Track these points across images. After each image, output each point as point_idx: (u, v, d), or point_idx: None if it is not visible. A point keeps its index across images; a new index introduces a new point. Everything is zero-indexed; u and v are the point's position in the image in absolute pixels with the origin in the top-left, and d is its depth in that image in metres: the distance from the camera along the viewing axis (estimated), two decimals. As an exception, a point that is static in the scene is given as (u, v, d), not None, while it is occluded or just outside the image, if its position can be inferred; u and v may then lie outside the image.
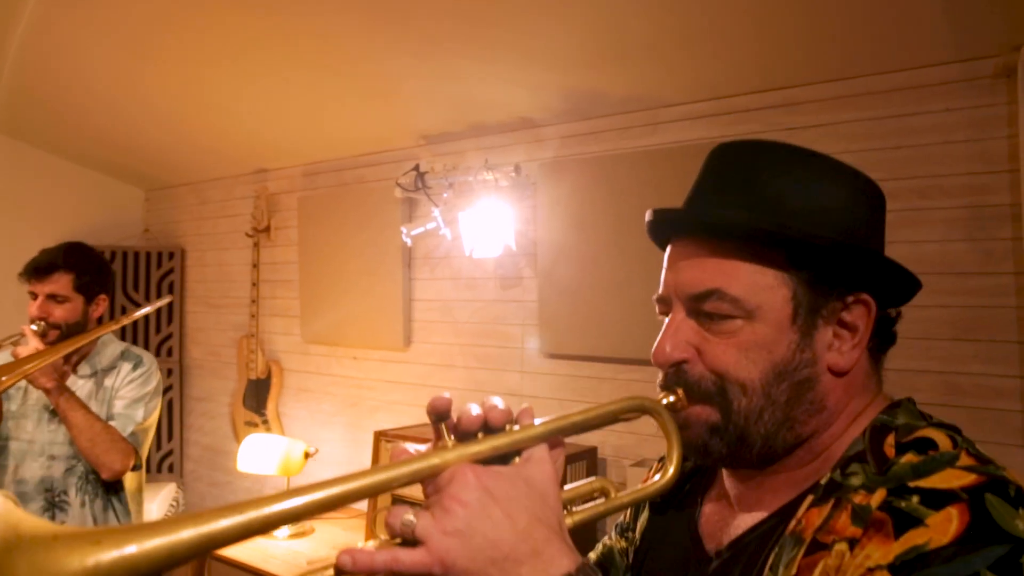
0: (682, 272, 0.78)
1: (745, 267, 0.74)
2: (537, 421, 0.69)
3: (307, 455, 2.84)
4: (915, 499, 0.62)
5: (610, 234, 2.55)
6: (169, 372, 4.11)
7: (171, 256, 4.19)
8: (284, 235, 3.67)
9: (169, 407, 4.10)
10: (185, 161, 3.94)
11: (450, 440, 0.67)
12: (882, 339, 0.78)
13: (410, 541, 0.60)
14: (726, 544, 0.78)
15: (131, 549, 0.50)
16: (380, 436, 2.73)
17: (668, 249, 0.82)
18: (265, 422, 3.62)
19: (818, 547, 0.66)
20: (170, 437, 4.10)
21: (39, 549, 0.49)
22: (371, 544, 0.64)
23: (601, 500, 0.76)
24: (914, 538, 0.59)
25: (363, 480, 0.61)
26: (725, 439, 0.75)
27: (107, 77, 2.96)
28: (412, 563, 0.59)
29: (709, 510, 0.85)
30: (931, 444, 0.67)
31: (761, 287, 0.74)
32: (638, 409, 0.75)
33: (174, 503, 3.63)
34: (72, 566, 0.48)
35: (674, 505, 0.90)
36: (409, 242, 2.99)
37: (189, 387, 4.19)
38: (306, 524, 2.88)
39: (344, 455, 3.24)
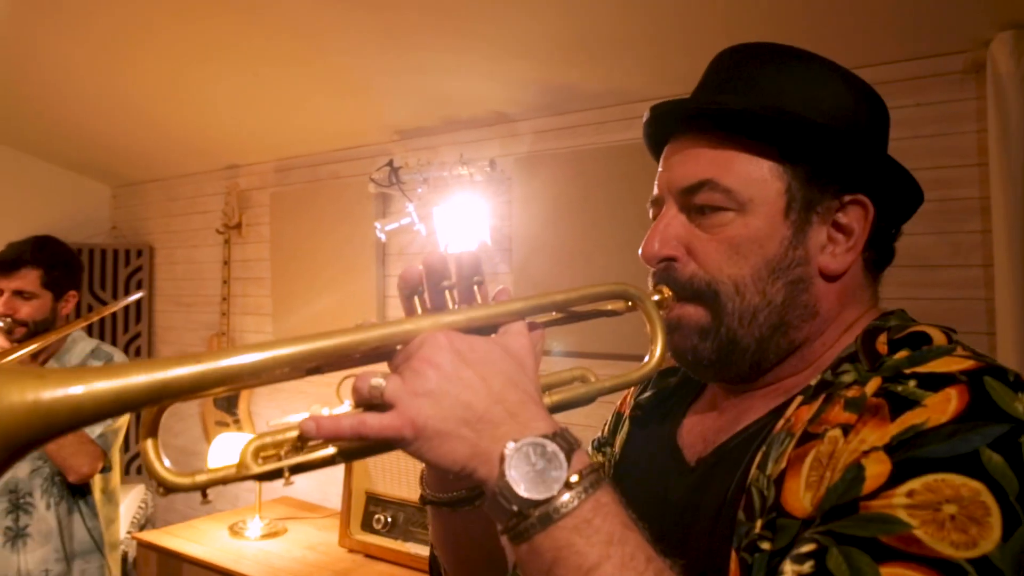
0: (675, 167, 0.76)
1: (739, 158, 0.72)
2: None
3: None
4: (912, 383, 0.60)
5: (585, 229, 2.55)
6: (137, 372, 4.03)
7: (139, 254, 4.11)
8: (256, 232, 3.62)
9: (138, 408, 4.02)
10: (153, 157, 3.87)
11: (424, 312, 0.64)
12: (880, 253, 0.76)
13: (379, 406, 0.57)
14: (709, 452, 0.76)
15: (77, 389, 0.48)
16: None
17: (664, 150, 0.80)
18: (237, 422, 3.57)
19: (809, 437, 0.63)
20: (139, 438, 4.02)
21: None
22: (336, 411, 0.60)
23: (579, 384, 0.72)
24: (911, 418, 0.57)
25: (330, 340, 0.58)
26: (715, 343, 0.73)
27: (74, 71, 2.89)
28: (381, 426, 0.56)
29: (691, 422, 0.83)
30: (925, 339, 0.65)
31: (755, 179, 0.72)
32: (620, 295, 0.73)
33: (143, 505, 3.56)
34: (12, 399, 0.46)
35: (656, 419, 0.87)
36: (383, 237, 2.96)
37: (158, 387, 4.11)
38: (278, 524, 2.84)
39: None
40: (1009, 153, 1.79)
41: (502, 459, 0.56)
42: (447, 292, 0.65)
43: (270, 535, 2.74)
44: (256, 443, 0.58)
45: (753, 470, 0.67)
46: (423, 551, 2.42)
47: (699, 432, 0.80)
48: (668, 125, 0.80)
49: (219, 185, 3.76)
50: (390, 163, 2.93)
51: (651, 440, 0.85)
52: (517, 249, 2.73)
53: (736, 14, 1.94)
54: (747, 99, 0.74)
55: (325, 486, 3.14)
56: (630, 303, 0.74)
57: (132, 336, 4.07)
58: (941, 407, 0.57)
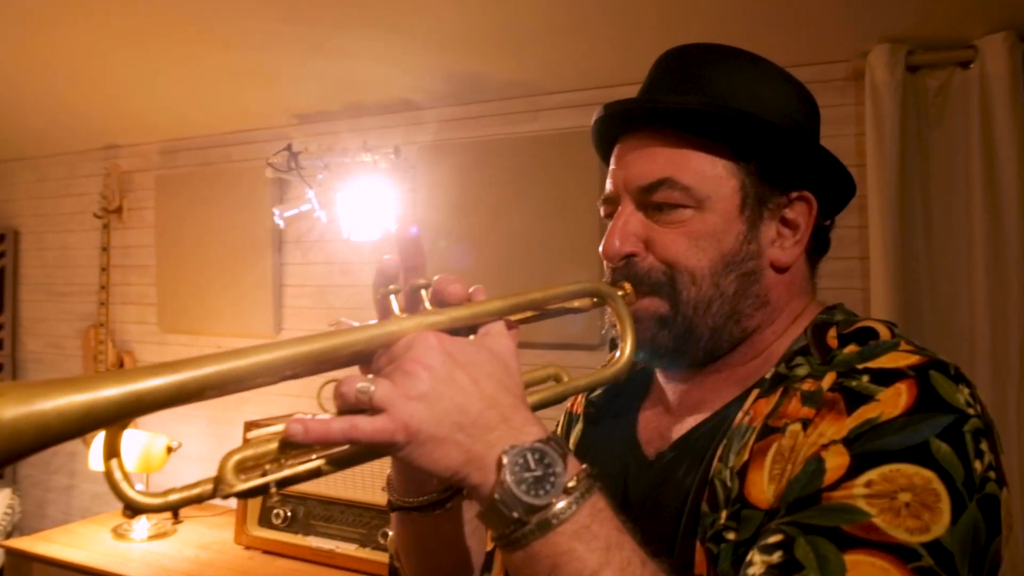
0: (631, 165, 0.77)
1: (696, 156, 0.75)
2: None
3: (170, 449, 2.66)
4: (865, 378, 0.64)
5: (490, 219, 2.57)
6: (0, 367, 3.72)
7: (3, 238, 3.77)
8: (138, 216, 3.40)
9: (0, 405, 3.70)
10: (19, 133, 3.55)
11: (401, 314, 0.63)
12: (819, 245, 0.81)
13: (367, 411, 0.55)
14: (668, 446, 0.78)
15: (42, 405, 0.44)
16: (251, 426, 2.60)
17: (616, 148, 0.82)
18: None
19: (770, 431, 0.66)
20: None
21: None
22: (320, 417, 0.56)
23: (554, 383, 0.74)
24: (867, 412, 0.61)
25: (316, 344, 0.55)
26: (673, 331, 0.75)
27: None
28: (374, 430, 0.54)
29: (647, 417, 0.84)
30: (872, 333, 0.70)
31: (711, 177, 0.75)
32: (592, 293, 0.74)
33: (9, 511, 3.29)
34: None
35: (609, 415, 0.89)
36: (282, 224, 2.87)
37: (25, 383, 3.80)
38: (167, 524, 2.69)
39: (211, 448, 3.06)
40: (884, 156, 1.95)
41: (499, 465, 0.56)
42: (422, 292, 0.64)
43: (158, 536, 2.60)
44: (236, 456, 0.54)
45: (715, 463, 0.69)
46: (325, 544, 2.37)
47: (655, 427, 0.82)
48: (619, 123, 0.81)
49: (96, 166, 3.50)
50: (289, 147, 2.84)
51: (607, 437, 0.86)
52: (421, 238, 2.71)
53: (637, 14, 2.01)
54: (700, 98, 0.76)
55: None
56: (596, 300, 0.76)
57: (-7, 328, 3.74)
58: (893, 401, 0.61)
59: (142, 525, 2.66)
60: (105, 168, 3.39)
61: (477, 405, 0.57)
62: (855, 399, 0.63)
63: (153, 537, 2.60)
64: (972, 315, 1.92)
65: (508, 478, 0.55)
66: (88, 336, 3.47)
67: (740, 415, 0.71)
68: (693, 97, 0.76)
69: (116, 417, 0.48)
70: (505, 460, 0.55)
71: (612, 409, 0.89)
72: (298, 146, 2.83)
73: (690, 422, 0.78)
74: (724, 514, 0.65)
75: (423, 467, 0.56)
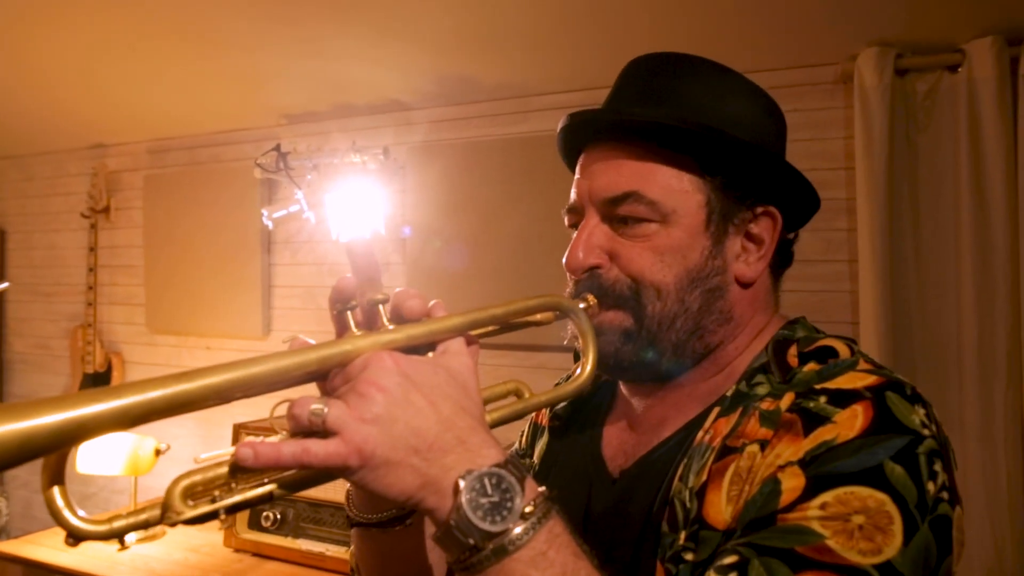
0: (597, 176, 0.76)
1: (662, 170, 0.74)
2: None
3: (158, 452, 2.64)
4: (823, 399, 0.64)
5: (480, 220, 2.56)
6: (-13, 367, 3.69)
7: (-12, 238, 3.74)
8: (126, 216, 3.38)
9: (-13, 406, 3.67)
10: (6, 131, 3.52)
11: (357, 330, 0.61)
12: (782, 259, 0.80)
13: (320, 433, 0.54)
14: (631, 463, 0.77)
15: None
16: (240, 429, 2.59)
17: (581, 158, 0.80)
18: (105, 419, 3.34)
19: (728, 451, 0.66)
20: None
21: None
22: (272, 439, 0.54)
23: (515, 400, 0.72)
24: (823, 434, 0.61)
25: (266, 364, 0.54)
26: (637, 345, 0.74)
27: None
28: (326, 454, 0.52)
29: (611, 433, 0.84)
30: (832, 352, 0.70)
31: (677, 191, 0.74)
32: (553, 307, 0.73)
33: (-4, 512, 3.27)
34: None
35: (574, 428, 0.88)
36: (270, 225, 2.85)
37: (12, 384, 3.77)
38: (156, 528, 2.68)
39: (199, 451, 3.01)
40: (872, 159, 1.96)
41: (456, 490, 0.54)
42: (379, 307, 0.62)
43: (147, 539, 2.58)
44: (184, 482, 0.53)
45: (676, 482, 0.69)
46: (315, 547, 2.36)
47: (619, 444, 0.82)
48: (585, 133, 0.80)
49: (84, 165, 3.48)
50: (277, 148, 2.82)
51: (572, 451, 0.86)
52: (411, 239, 2.71)
53: (627, 17, 2.01)
54: (667, 111, 0.75)
55: (206, 484, 2.99)
56: (558, 313, 0.75)
57: (-20, 328, 3.71)
58: (849, 423, 0.61)
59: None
60: (93, 167, 3.36)
61: (433, 428, 0.56)
62: (812, 420, 0.63)
63: (142, 540, 2.58)
64: (960, 317, 1.93)
65: (464, 504, 0.54)
66: (76, 337, 3.44)
67: (700, 434, 0.71)
68: (660, 110, 0.75)
69: (57, 445, 0.46)
70: (461, 485, 0.54)
71: (577, 422, 0.89)
72: (287, 146, 2.82)
73: (653, 440, 0.77)
74: (683, 535, 0.65)
75: (378, 491, 0.55)
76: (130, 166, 3.39)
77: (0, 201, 3.82)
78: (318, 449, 0.53)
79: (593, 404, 0.89)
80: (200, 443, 3.12)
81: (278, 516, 2.45)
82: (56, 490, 0.51)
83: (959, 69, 1.93)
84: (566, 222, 0.81)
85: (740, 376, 0.73)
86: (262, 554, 2.44)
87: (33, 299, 3.71)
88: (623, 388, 0.85)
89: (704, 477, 0.66)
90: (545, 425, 0.93)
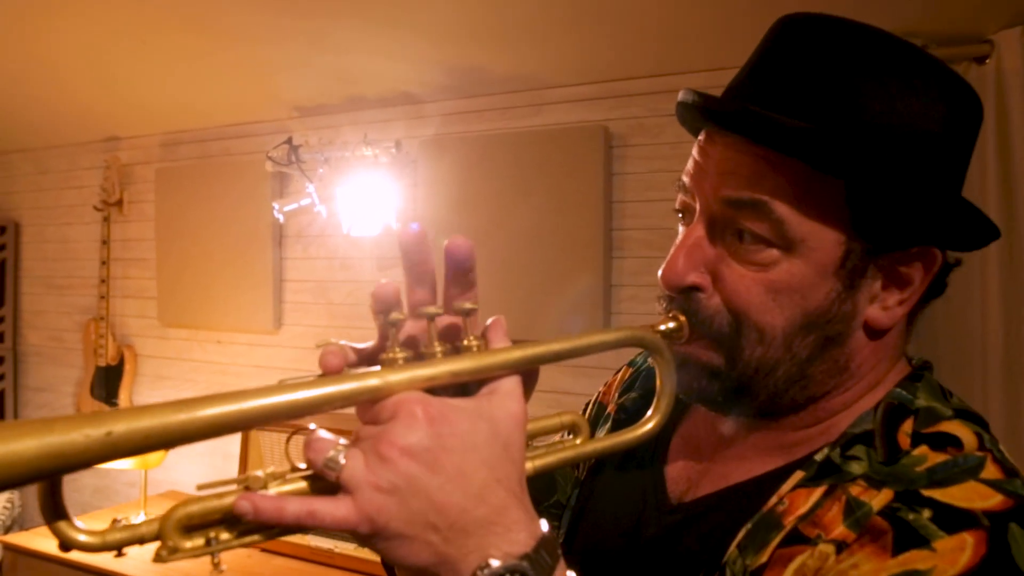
0: (719, 165, 0.62)
1: (798, 188, 0.59)
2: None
3: (167, 446, 2.64)
4: (926, 513, 0.52)
5: (492, 214, 2.53)
6: (1, 360, 3.70)
7: (3, 231, 3.75)
8: (139, 210, 3.38)
9: (1, 399, 3.69)
10: (20, 125, 3.53)
11: (398, 353, 0.52)
12: (931, 292, 0.64)
13: (332, 486, 0.48)
14: (692, 498, 0.68)
15: None
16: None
17: (702, 137, 0.65)
18: (117, 412, 3.34)
19: (799, 539, 0.57)
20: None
21: None
22: (274, 488, 0.49)
23: (569, 440, 0.63)
24: (915, 560, 0.50)
25: (282, 396, 0.48)
26: (725, 385, 0.64)
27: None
28: (334, 520, 0.47)
29: (679, 450, 0.74)
30: (954, 441, 0.57)
31: (811, 216, 0.59)
32: (636, 343, 0.62)
33: (8, 505, 3.28)
34: None
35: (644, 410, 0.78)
36: (281, 218, 2.84)
37: (25, 376, 3.79)
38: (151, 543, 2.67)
39: (209, 444, 3.02)
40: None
41: None
42: (428, 322, 0.53)
43: (157, 533, 2.58)
44: (181, 511, 0.49)
45: (732, 548, 0.60)
46: (324, 543, 2.35)
47: (684, 467, 0.73)
48: (714, 119, 0.64)
49: (97, 158, 3.48)
50: (289, 141, 2.81)
51: (632, 456, 0.76)
52: (428, 238, 2.68)
53: (641, 7, 1.97)
54: (818, 111, 0.59)
55: (215, 477, 2.99)
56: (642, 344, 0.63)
57: (-6, 321, 3.73)
58: (952, 556, 0.50)
59: (140, 521, 2.64)
60: (105, 161, 3.36)
61: (459, 504, 0.48)
62: (907, 538, 0.52)
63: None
64: (985, 315, 1.88)
65: None
66: (89, 330, 3.45)
67: (774, 500, 0.61)
68: (810, 108, 0.59)
69: (40, 475, 0.43)
70: None
71: (642, 418, 0.81)
72: (298, 139, 2.80)
73: (721, 480, 0.68)
74: None
75: (388, 560, 0.50)
76: (142, 159, 3.39)
77: (14, 194, 3.83)
78: (326, 514, 0.47)
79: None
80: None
81: (287, 512, 2.44)
82: (63, 524, 0.48)
83: (987, 60, 1.87)
84: (676, 204, 0.68)
85: (838, 437, 0.62)
86: (271, 550, 2.43)
87: (46, 292, 3.72)
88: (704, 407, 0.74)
89: (764, 559, 0.57)
90: (611, 413, 0.83)
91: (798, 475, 0.61)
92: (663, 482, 0.71)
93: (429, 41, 2.31)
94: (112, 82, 2.92)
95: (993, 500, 0.52)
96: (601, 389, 0.89)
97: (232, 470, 2.77)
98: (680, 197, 0.67)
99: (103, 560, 2.35)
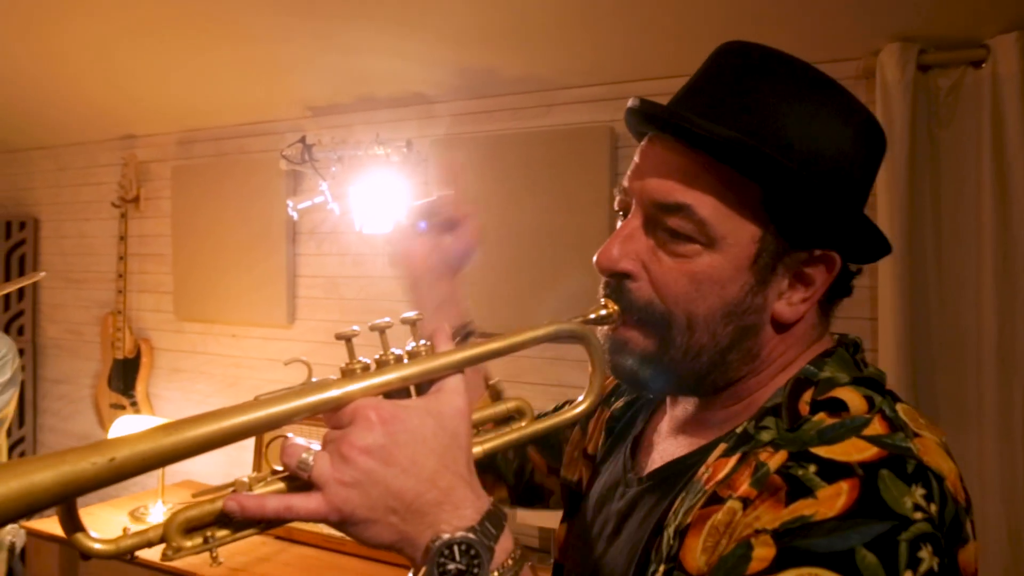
0: (652, 173, 0.71)
1: (721, 191, 0.67)
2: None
3: (185, 437, 2.71)
4: (812, 468, 0.60)
5: (502, 214, 2.59)
6: (20, 353, 3.78)
7: (23, 226, 3.84)
8: (155, 206, 3.45)
9: (21, 391, 3.77)
10: (39, 122, 3.61)
11: (356, 364, 0.63)
12: (835, 292, 0.73)
13: (305, 484, 0.59)
14: (649, 472, 0.78)
15: None
16: (265, 416, 2.65)
17: (644, 142, 0.74)
18: (134, 404, 3.42)
19: (716, 500, 0.65)
20: (21, 423, 3.79)
21: None
22: (258, 489, 0.60)
23: (516, 424, 0.73)
24: (802, 508, 0.58)
25: (256, 413, 0.58)
26: (655, 370, 0.72)
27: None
28: (307, 512, 0.57)
29: (650, 433, 0.84)
30: (843, 406, 0.65)
31: (731, 217, 0.68)
32: (567, 335, 0.71)
33: (29, 492, 3.36)
34: None
35: (628, 426, 0.89)
36: (295, 216, 2.91)
37: (44, 368, 3.87)
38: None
39: (224, 436, 3.12)
40: (893, 155, 1.95)
41: (427, 552, 0.58)
42: (380, 334, 0.65)
43: (175, 520, 2.66)
44: (181, 516, 0.58)
45: (670, 513, 0.69)
46: (339, 532, 2.41)
47: (646, 447, 0.83)
48: (654, 124, 0.73)
49: (114, 156, 3.56)
50: (302, 140, 2.87)
51: (620, 447, 0.87)
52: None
53: (651, 10, 2.02)
54: (742, 124, 0.67)
55: (233, 467, 3.07)
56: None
57: (14, 314, 3.82)
58: (831, 502, 0.58)
59: (159, 509, 2.72)
60: (123, 158, 3.44)
61: (413, 488, 0.58)
62: (797, 491, 0.60)
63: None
64: (979, 314, 1.93)
65: (433, 570, 0.57)
66: (106, 323, 3.53)
67: (702, 469, 0.69)
68: (738, 124, 0.67)
69: (56, 500, 0.51)
70: (431, 551, 0.57)
71: (630, 418, 0.90)
72: (312, 138, 2.86)
73: (672, 453, 0.77)
74: (661, 568, 0.66)
75: (358, 541, 0.60)
76: (159, 157, 3.46)
77: (33, 190, 3.91)
78: (300, 507, 0.58)
79: (648, 400, 0.89)
80: (226, 428, 3.19)
81: (301, 501, 2.51)
82: (80, 535, 0.56)
83: (983, 65, 1.92)
84: (616, 204, 0.77)
85: (755, 412, 0.70)
86: (286, 537, 2.50)
87: (65, 286, 3.80)
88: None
89: (689, 519, 0.66)
90: (604, 425, 0.93)
91: (721, 447, 0.70)
92: (630, 461, 0.83)
93: (442, 43, 2.36)
94: (129, 81, 2.99)
95: (868, 452, 0.60)
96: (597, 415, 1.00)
97: (246, 458, 2.84)
98: (619, 198, 0.76)
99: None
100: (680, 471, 0.73)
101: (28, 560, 2.70)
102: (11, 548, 2.91)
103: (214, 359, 3.30)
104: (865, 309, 2.07)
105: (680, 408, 0.80)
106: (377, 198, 2.70)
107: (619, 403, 0.92)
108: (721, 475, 0.67)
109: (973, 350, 1.94)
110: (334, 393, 0.60)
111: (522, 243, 2.52)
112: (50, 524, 2.64)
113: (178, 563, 2.29)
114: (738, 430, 0.70)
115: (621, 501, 0.79)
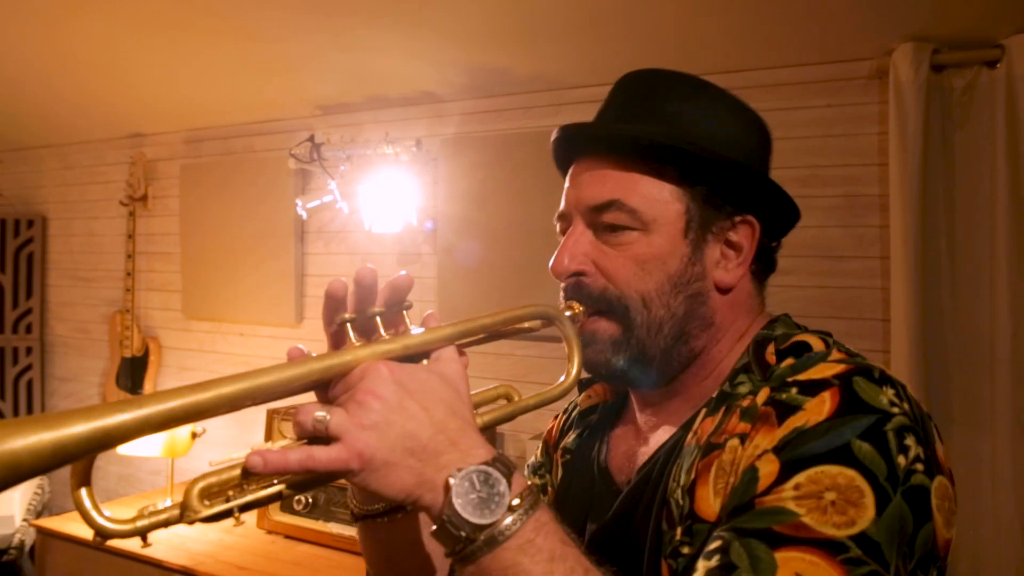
0: (583, 186, 0.81)
1: (643, 180, 0.78)
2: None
3: (194, 435, 2.71)
4: (794, 390, 0.68)
5: (511, 212, 2.58)
6: (28, 351, 3.80)
7: (30, 224, 3.84)
8: (163, 205, 3.46)
9: (28, 388, 3.79)
10: (47, 121, 3.61)
11: (356, 341, 0.66)
12: (765, 264, 0.84)
13: (323, 439, 0.59)
14: (635, 471, 0.82)
15: (15, 443, 0.46)
16: (273, 414, 2.65)
17: (571, 168, 0.85)
18: (141, 402, 3.42)
19: (713, 448, 0.70)
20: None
21: None
22: (279, 444, 0.61)
23: (504, 403, 0.78)
24: (794, 421, 0.65)
25: (273, 375, 0.59)
26: (626, 353, 0.79)
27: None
28: (329, 459, 0.58)
29: (618, 444, 0.89)
30: (806, 347, 0.73)
31: (657, 200, 0.78)
32: (540, 315, 0.78)
33: (39, 490, 3.37)
34: None
35: (585, 455, 0.92)
36: (304, 215, 2.90)
37: (52, 366, 3.88)
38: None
39: (234, 434, 3.12)
40: (907, 155, 1.94)
41: (447, 488, 0.59)
42: (376, 319, 0.67)
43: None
44: (201, 483, 0.58)
45: (671, 483, 0.73)
46: (346, 531, 2.42)
47: (624, 454, 0.86)
48: (577, 145, 0.85)
49: (122, 154, 3.56)
50: (311, 139, 2.87)
51: (584, 475, 0.90)
52: (442, 231, 2.74)
53: (659, 10, 2.01)
54: (651, 127, 0.80)
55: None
56: (545, 322, 0.79)
57: (22, 312, 3.82)
58: (818, 409, 0.65)
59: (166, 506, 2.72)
60: (131, 156, 3.44)
61: (427, 431, 0.61)
62: (785, 410, 0.66)
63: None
64: (993, 315, 1.92)
65: (455, 500, 0.59)
66: (114, 321, 3.53)
67: (690, 435, 0.75)
68: (644, 125, 0.80)
69: (85, 452, 0.50)
70: (452, 482, 0.59)
71: (587, 448, 0.93)
72: (320, 137, 2.86)
73: (653, 446, 0.82)
74: (679, 530, 0.69)
75: (378, 491, 0.60)
76: (167, 155, 3.46)
77: (41, 189, 3.92)
78: (322, 455, 0.58)
79: (600, 427, 0.93)
80: (234, 427, 3.20)
81: (310, 500, 2.51)
82: (84, 491, 0.56)
83: (998, 65, 1.91)
84: (557, 229, 0.85)
85: (725, 378, 0.77)
86: (294, 536, 2.50)
87: (73, 284, 3.81)
88: (633, 398, 0.89)
89: (693, 475, 0.70)
90: (559, 460, 0.97)
91: (702, 412, 0.76)
92: (609, 474, 0.86)
93: (451, 42, 2.36)
94: (137, 80, 2.99)
95: (838, 368, 0.68)
96: (545, 433, 1.05)
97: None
98: (559, 224, 0.85)
99: (131, 543, 2.43)
100: (668, 451, 0.78)
101: (37, 558, 2.71)
102: (20, 545, 2.91)
103: (222, 358, 3.31)
104: (878, 310, 2.06)
105: (650, 409, 0.86)
106: (386, 197, 2.69)
107: (571, 436, 0.96)
108: (711, 429, 0.73)
109: (987, 350, 1.93)
110: (346, 357, 0.63)
111: (532, 242, 2.51)
112: (59, 522, 2.65)
113: (181, 560, 2.30)
114: (714, 395, 0.77)
115: (614, 509, 0.81)
